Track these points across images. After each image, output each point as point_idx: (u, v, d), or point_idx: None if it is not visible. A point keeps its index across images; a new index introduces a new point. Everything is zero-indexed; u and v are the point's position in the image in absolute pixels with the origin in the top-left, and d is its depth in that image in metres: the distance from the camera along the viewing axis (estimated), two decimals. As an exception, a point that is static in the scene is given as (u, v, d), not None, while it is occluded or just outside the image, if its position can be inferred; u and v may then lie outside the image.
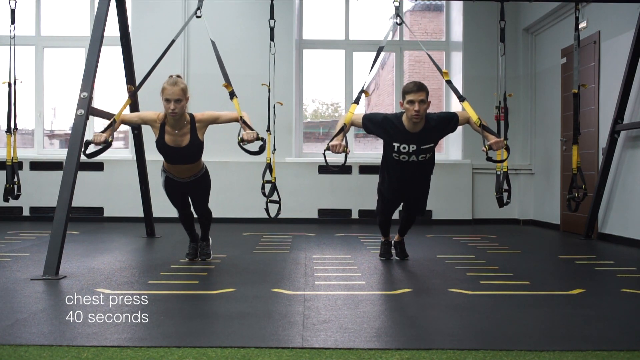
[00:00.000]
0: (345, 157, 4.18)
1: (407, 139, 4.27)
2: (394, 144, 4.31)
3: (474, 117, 4.22)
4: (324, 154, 4.18)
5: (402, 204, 4.79)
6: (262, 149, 4.30)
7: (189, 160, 4.39)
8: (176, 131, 4.29)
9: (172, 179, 4.49)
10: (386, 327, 2.85)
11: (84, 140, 4.18)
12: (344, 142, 4.14)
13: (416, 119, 4.17)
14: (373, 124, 4.36)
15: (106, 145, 4.14)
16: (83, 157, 4.30)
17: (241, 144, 4.23)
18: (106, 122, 4.39)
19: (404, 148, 4.29)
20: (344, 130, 4.23)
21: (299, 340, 2.55)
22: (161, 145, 4.32)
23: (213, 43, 4.71)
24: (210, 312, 3.10)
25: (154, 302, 3.27)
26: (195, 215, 4.77)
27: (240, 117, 4.29)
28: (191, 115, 4.34)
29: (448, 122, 4.32)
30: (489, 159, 4.19)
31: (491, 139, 4.15)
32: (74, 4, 8.44)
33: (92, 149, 4.17)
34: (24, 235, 6.29)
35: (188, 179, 4.49)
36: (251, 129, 4.23)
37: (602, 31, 6.41)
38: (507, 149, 4.24)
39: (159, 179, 4.60)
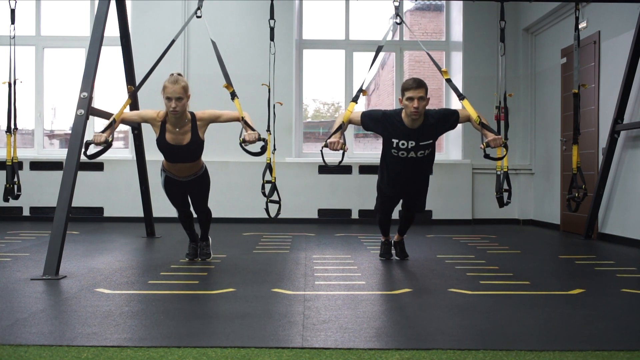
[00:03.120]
0: (343, 154, 4.21)
1: (406, 135, 4.27)
2: (393, 140, 4.31)
3: (473, 115, 4.24)
4: (321, 151, 4.21)
5: (401, 201, 4.79)
6: (263, 149, 4.32)
7: (189, 159, 4.40)
8: (177, 129, 4.29)
9: (172, 179, 4.50)
10: (386, 327, 2.85)
11: (84, 141, 4.17)
12: (342, 140, 4.17)
13: (415, 115, 4.18)
14: (372, 121, 4.37)
15: (107, 145, 4.14)
16: (83, 157, 4.30)
17: (243, 144, 4.24)
18: (106, 122, 4.39)
19: (403, 144, 4.29)
20: (342, 128, 4.25)
21: (299, 340, 2.55)
22: (162, 144, 4.32)
23: (214, 43, 4.70)
24: (210, 312, 3.10)
25: (154, 302, 3.27)
26: (195, 215, 4.78)
27: (242, 117, 4.30)
28: (192, 114, 4.35)
29: (448, 119, 4.33)
30: (486, 156, 4.24)
31: (489, 136, 4.19)
32: (74, 4, 8.44)
33: (92, 149, 4.19)
34: (24, 235, 6.29)
35: (188, 177, 4.49)
36: (253, 129, 4.24)
37: (602, 31, 6.41)
38: (506, 146, 4.26)
39: (159, 178, 4.61)
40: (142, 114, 4.44)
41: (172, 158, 4.39)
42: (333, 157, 4.59)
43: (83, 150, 4.18)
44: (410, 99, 4.15)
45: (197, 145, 4.35)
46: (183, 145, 4.32)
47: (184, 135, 4.31)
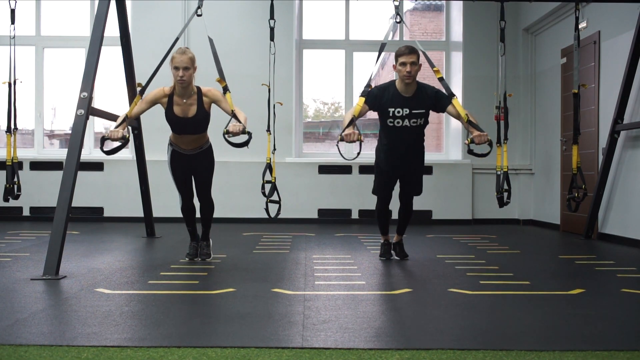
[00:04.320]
0: (360, 145, 4.30)
1: (401, 102, 4.48)
2: (389, 109, 4.49)
3: (462, 112, 4.42)
4: (337, 145, 4.32)
5: (399, 191, 4.80)
6: (246, 142, 4.30)
7: (195, 130, 4.51)
8: (184, 100, 4.43)
9: (178, 152, 4.59)
10: (386, 327, 2.85)
11: (100, 137, 4.22)
12: (357, 130, 4.28)
13: (407, 79, 4.41)
14: (374, 98, 4.54)
15: (125, 141, 4.23)
16: (83, 157, 4.31)
17: (225, 135, 4.24)
18: (107, 122, 4.40)
19: (398, 112, 4.48)
20: (354, 121, 4.36)
21: (299, 340, 2.55)
22: (170, 116, 4.46)
23: (211, 40, 4.72)
24: (210, 312, 3.10)
25: (154, 302, 3.28)
26: (197, 212, 4.79)
27: (232, 110, 4.37)
28: (198, 88, 4.50)
29: (439, 98, 4.53)
30: (470, 151, 4.36)
31: (475, 132, 4.31)
32: (74, 4, 8.44)
33: (108, 145, 4.23)
34: (24, 235, 6.29)
35: (193, 151, 4.59)
36: (239, 122, 4.27)
37: (602, 31, 6.41)
38: (490, 144, 4.30)
39: (159, 179, 4.62)
40: (149, 98, 4.48)
41: (179, 130, 4.50)
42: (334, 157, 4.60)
43: (100, 146, 4.27)
44: (403, 64, 4.41)
45: (203, 116, 4.48)
46: (190, 117, 4.45)
47: (190, 107, 4.44)
